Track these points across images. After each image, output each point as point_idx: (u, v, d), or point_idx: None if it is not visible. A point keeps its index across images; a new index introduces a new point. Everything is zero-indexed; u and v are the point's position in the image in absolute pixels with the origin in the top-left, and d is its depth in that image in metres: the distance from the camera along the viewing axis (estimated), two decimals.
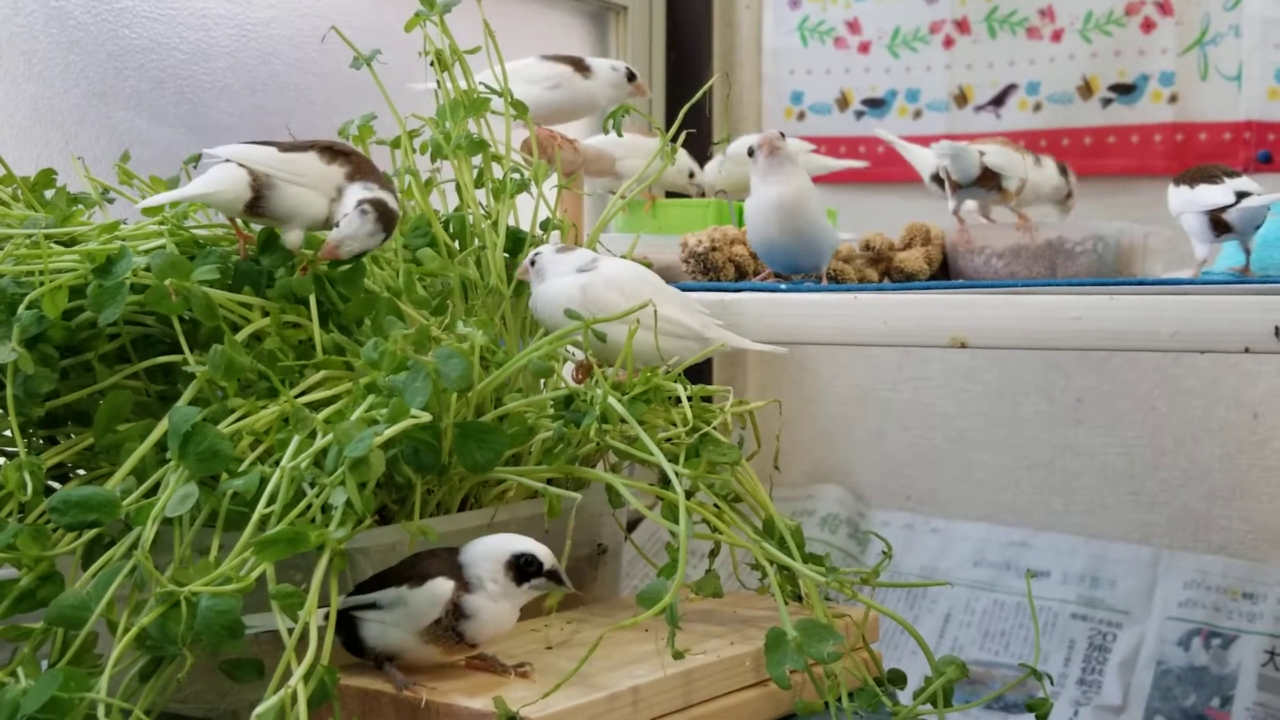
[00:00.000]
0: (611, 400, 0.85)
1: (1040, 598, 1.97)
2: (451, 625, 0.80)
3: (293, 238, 0.93)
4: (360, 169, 0.94)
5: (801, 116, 2.12)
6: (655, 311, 0.93)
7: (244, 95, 1.56)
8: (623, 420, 0.87)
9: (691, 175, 1.52)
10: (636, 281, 1.00)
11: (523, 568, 0.81)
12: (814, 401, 2.18)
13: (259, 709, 0.71)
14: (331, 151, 0.95)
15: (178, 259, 0.87)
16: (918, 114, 2.05)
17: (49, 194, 1.03)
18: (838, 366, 2.15)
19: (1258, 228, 1.14)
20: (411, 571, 0.81)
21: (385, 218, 0.92)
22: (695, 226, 1.36)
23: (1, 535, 0.80)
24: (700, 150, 1.56)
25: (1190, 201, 1.14)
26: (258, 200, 0.92)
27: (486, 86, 1.10)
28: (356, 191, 0.93)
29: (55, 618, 0.78)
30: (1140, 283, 1.12)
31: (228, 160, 0.92)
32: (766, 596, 1.01)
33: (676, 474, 0.84)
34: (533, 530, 0.97)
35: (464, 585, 0.80)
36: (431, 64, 1.09)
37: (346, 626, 0.81)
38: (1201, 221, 1.13)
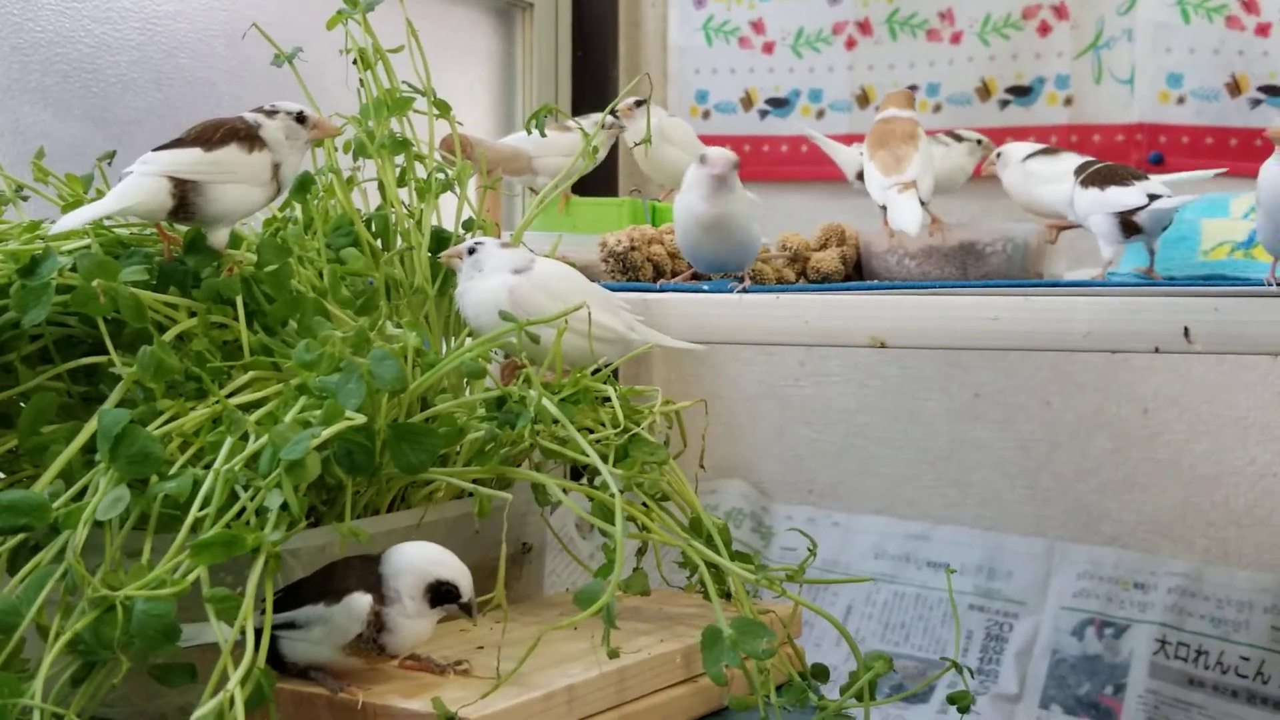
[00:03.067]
0: (546, 402, 0.86)
1: (939, 589, 2.00)
2: (373, 638, 0.80)
3: (219, 237, 0.93)
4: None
5: (706, 115, 2.13)
6: (590, 315, 0.94)
7: (149, 89, 1.54)
8: (555, 421, 0.87)
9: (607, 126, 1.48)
10: (563, 283, 1.01)
11: (441, 594, 0.80)
12: (717, 397, 2.19)
13: (198, 712, 0.71)
14: (251, 139, 0.95)
15: (105, 260, 0.86)
16: (820, 114, 2.08)
17: None
18: (741, 363, 2.17)
19: (1165, 228, 1.17)
20: (328, 587, 0.80)
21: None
22: (609, 225, 1.37)
23: None
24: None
25: (1100, 203, 1.16)
26: (182, 205, 0.91)
27: (409, 85, 1.10)
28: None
29: None
30: (1055, 284, 1.14)
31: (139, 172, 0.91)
32: (690, 594, 1.02)
33: (611, 474, 0.85)
34: (462, 530, 0.97)
35: (381, 598, 0.80)
36: (354, 62, 1.08)
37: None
38: (1111, 223, 1.15)
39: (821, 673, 0.95)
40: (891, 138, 1.26)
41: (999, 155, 1.42)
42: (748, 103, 2.12)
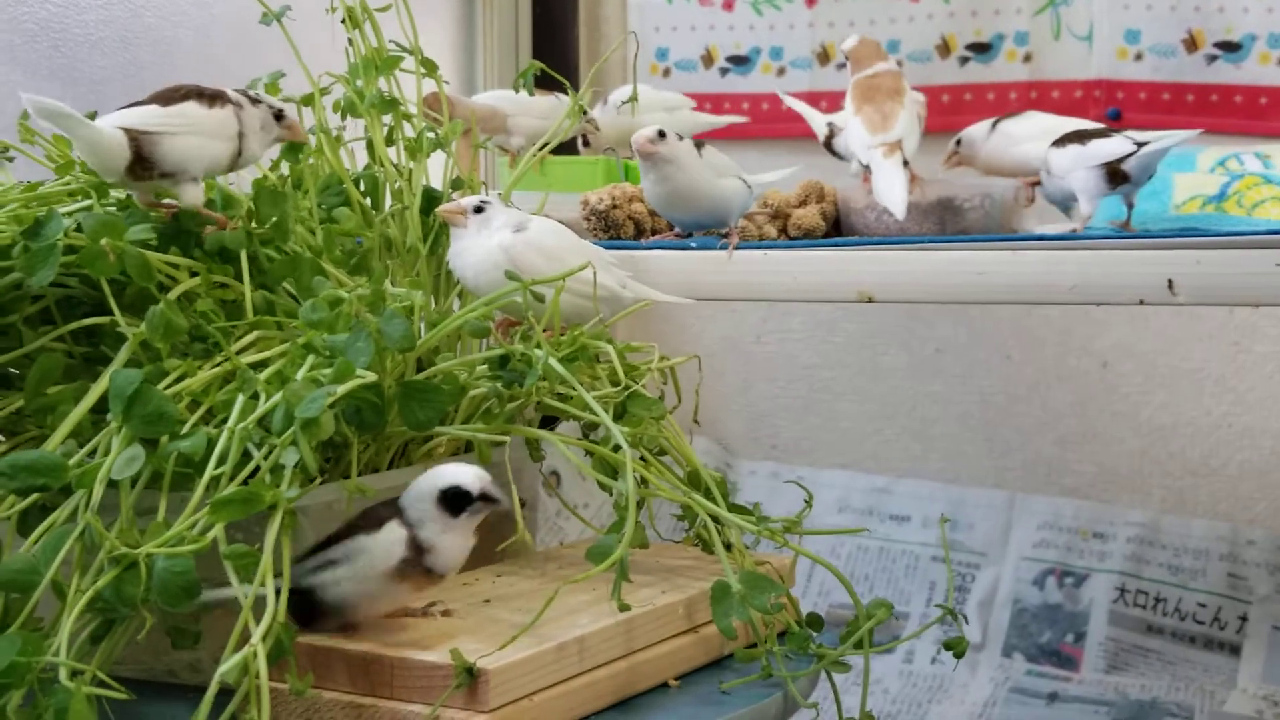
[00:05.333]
0: (553, 361, 0.87)
1: (902, 541, 2.03)
2: (418, 560, 0.81)
3: (189, 193, 0.93)
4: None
5: (667, 73, 2.14)
6: (595, 274, 0.94)
7: (116, 49, 1.53)
8: (560, 379, 0.88)
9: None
10: (557, 240, 1.02)
11: (452, 500, 0.81)
12: (681, 354, 2.21)
13: (223, 668, 0.72)
14: (213, 99, 0.96)
15: (111, 219, 0.86)
16: (781, 71, 2.09)
17: None
18: (704, 320, 2.18)
19: (1150, 177, 1.18)
20: (364, 521, 0.82)
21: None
22: (584, 184, 1.37)
23: None
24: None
25: (1084, 157, 1.18)
26: (140, 159, 0.92)
27: (396, 44, 1.10)
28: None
29: (4, 582, 0.77)
30: (1040, 238, 1.16)
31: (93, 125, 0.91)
32: (687, 546, 1.03)
33: (619, 431, 0.86)
34: None
35: (411, 526, 0.81)
36: (342, 21, 1.08)
37: (293, 602, 0.80)
38: (1096, 176, 1.16)
39: (816, 622, 0.97)
40: (878, 93, 1.26)
41: (959, 143, 1.44)
42: (708, 60, 2.13)
